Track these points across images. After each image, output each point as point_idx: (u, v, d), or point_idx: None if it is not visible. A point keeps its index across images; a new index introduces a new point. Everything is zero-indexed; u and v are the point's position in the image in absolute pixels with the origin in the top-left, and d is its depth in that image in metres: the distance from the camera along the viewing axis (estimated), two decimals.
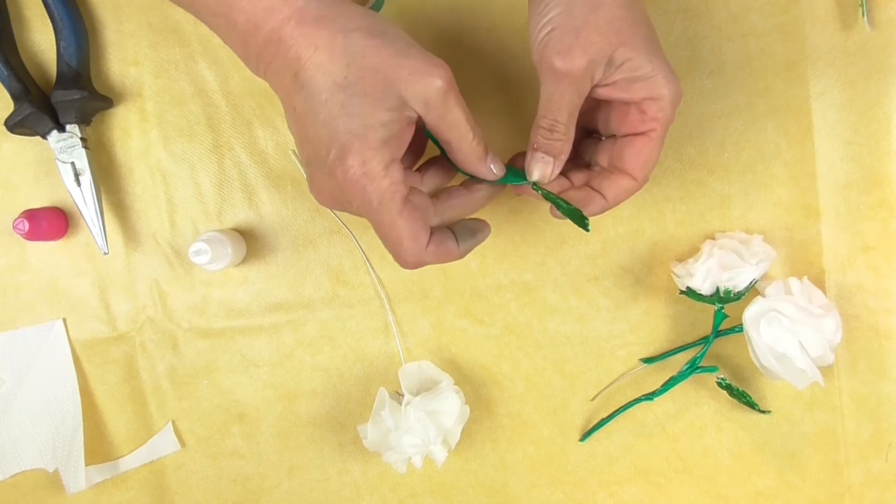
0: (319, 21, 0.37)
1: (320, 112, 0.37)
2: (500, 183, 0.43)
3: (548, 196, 0.44)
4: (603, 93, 0.42)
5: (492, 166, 0.42)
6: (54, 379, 0.55)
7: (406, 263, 0.41)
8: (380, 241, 0.40)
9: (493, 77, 0.53)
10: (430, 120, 0.39)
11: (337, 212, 0.53)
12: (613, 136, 0.45)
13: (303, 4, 0.37)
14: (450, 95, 0.38)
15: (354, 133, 0.36)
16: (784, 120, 0.52)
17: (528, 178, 0.44)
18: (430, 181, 0.44)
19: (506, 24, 0.53)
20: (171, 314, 0.55)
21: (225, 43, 0.40)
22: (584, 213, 0.42)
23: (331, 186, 0.39)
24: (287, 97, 0.38)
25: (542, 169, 0.43)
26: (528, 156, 0.43)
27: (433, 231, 0.40)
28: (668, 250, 0.54)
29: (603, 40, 0.39)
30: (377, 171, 0.37)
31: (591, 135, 0.48)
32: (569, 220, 0.43)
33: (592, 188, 0.44)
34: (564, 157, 0.43)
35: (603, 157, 0.46)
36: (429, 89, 0.37)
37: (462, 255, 0.43)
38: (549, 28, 0.40)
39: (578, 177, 0.46)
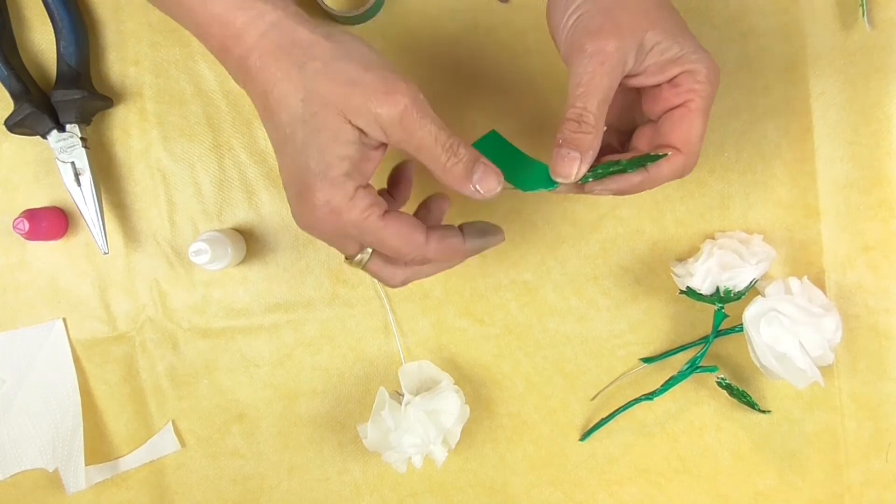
0: (277, 53, 0.37)
1: (287, 145, 0.37)
2: (525, 190, 0.40)
3: (605, 172, 0.39)
4: (635, 82, 0.40)
5: (477, 186, 0.38)
6: (54, 379, 0.55)
7: (413, 262, 0.41)
8: None
9: (493, 78, 0.53)
10: (395, 144, 0.37)
11: None
12: (651, 122, 0.43)
13: (263, 32, 0.37)
14: (408, 119, 0.36)
15: (315, 172, 0.37)
16: (784, 120, 0.52)
17: (552, 175, 0.39)
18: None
19: (505, 24, 0.53)
20: (171, 314, 0.55)
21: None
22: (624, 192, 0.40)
23: (306, 219, 0.39)
24: (263, 122, 0.39)
25: (566, 167, 0.39)
26: (554, 153, 0.39)
27: (433, 230, 0.40)
28: (668, 250, 0.54)
29: (633, 21, 0.38)
30: (343, 205, 0.37)
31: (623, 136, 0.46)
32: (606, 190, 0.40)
33: (646, 171, 0.41)
34: (593, 154, 0.39)
35: (642, 142, 0.43)
36: (383, 116, 0.36)
37: (469, 254, 0.41)
38: (578, 14, 0.39)
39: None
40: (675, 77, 0.40)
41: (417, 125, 0.36)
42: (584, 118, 0.38)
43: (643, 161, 0.40)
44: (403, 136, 0.37)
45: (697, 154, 0.41)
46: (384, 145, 0.38)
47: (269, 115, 0.38)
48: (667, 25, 0.39)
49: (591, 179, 0.40)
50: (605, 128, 0.39)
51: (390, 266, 0.41)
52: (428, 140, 0.37)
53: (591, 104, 0.38)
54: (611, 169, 0.40)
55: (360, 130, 0.37)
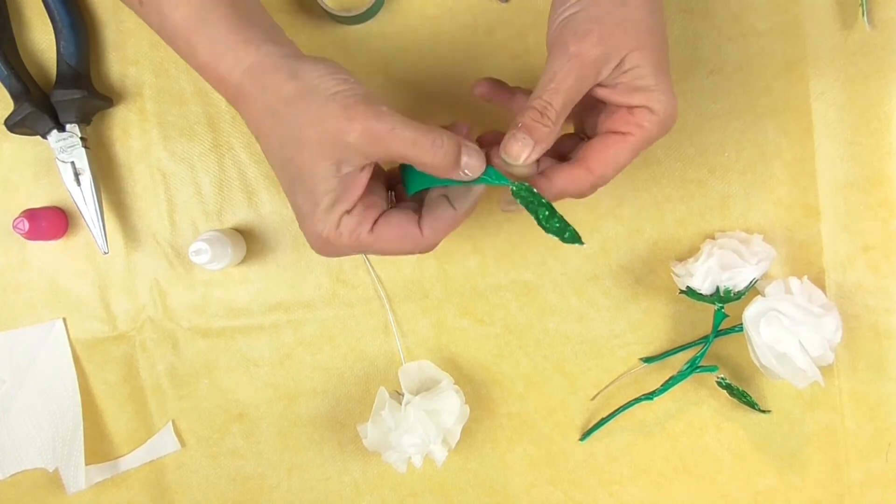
0: (254, 100, 0.39)
1: (283, 183, 0.41)
2: (475, 184, 0.40)
3: (529, 202, 0.40)
4: (602, 93, 0.41)
5: (466, 171, 0.39)
6: (54, 379, 0.55)
7: (421, 253, 0.42)
8: None
9: None
10: (379, 160, 0.39)
11: None
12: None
13: (240, 80, 0.39)
14: (378, 137, 0.37)
15: (305, 210, 0.40)
16: (784, 120, 0.52)
17: (501, 151, 0.40)
18: None
19: (505, 24, 0.53)
20: (171, 314, 0.55)
21: None
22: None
23: (312, 244, 0.42)
24: (264, 152, 0.42)
25: (518, 149, 0.40)
26: (508, 134, 0.40)
27: (424, 214, 0.41)
28: (668, 250, 0.54)
29: (621, 36, 0.39)
30: (331, 235, 0.40)
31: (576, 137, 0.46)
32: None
33: (542, 174, 0.42)
34: (545, 146, 0.40)
35: (575, 154, 0.43)
36: (353, 143, 0.37)
37: (465, 216, 0.42)
38: (573, 11, 0.40)
39: (544, 162, 0.43)
40: (635, 109, 0.40)
41: (389, 137, 0.37)
42: (546, 111, 0.39)
43: (563, 228, 0.39)
44: (382, 152, 0.38)
45: (605, 181, 0.41)
46: (369, 165, 0.39)
47: (263, 147, 0.41)
48: (653, 55, 0.40)
49: (523, 193, 0.40)
50: (560, 127, 0.40)
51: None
52: (406, 146, 0.38)
53: (556, 101, 0.39)
54: (538, 203, 0.40)
55: (337, 163, 0.38)
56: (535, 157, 0.40)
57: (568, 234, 0.40)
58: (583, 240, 0.39)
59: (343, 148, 0.38)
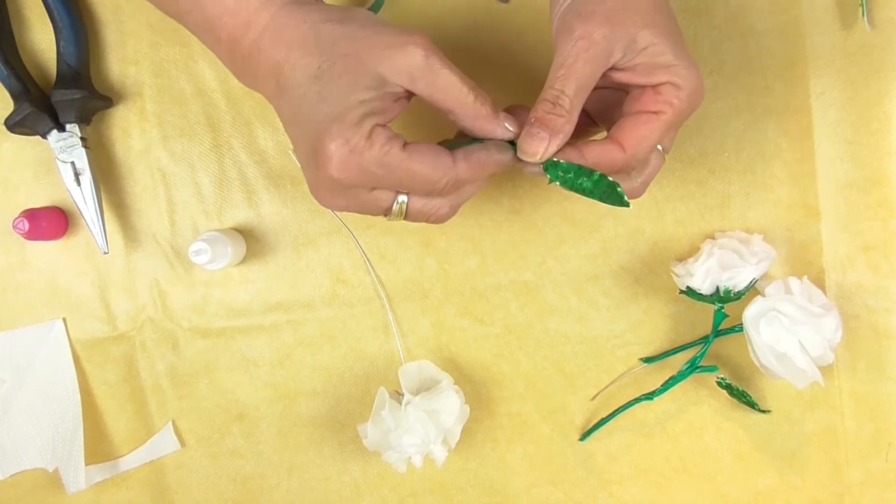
0: (290, 22, 0.37)
1: (302, 107, 0.37)
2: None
3: (571, 183, 0.38)
4: (622, 77, 0.40)
5: (506, 124, 0.38)
6: (54, 379, 0.55)
7: (447, 188, 0.39)
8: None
9: (493, 79, 0.53)
10: (421, 90, 0.37)
11: (337, 212, 0.53)
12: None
13: (275, 13, 0.37)
14: (432, 61, 0.36)
15: (332, 115, 0.36)
16: (784, 120, 0.52)
17: (518, 153, 0.39)
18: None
19: (505, 24, 0.53)
20: (171, 314, 0.55)
21: (218, 58, 0.41)
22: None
23: (326, 182, 0.37)
24: (275, 103, 0.39)
25: (533, 146, 0.38)
26: (524, 130, 0.39)
27: (457, 152, 0.39)
28: (668, 250, 0.54)
29: (627, 15, 0.38)
30: (361, 143, 0.36)
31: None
32: (596, 202, 0.38)
33: (573, 146, 0.40)
34: (563, 137, 0.38)
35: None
36: (407, 60, 0.36)
37: (499, 166, 0.39)
38: None
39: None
40: (661, 86, 0.39)
41: (441, 65, 0.36)
42: (559, 101, 0.38)
43: (611, 188, 0.38)
44: (429, 79, 0.36)
45: (637, 162, 0.40)
46: (405, 98, 0.38)
47: (280, 89, 0.37)
48: (665, 30, 0.39)
49: (557, 183, 0.39)
50: (578, 115, 0.39)
51: (432, 199, 0.40)
52: (453, 81, 0.37)
53: (568, 88, 0.38)
54: (578, 181, 0.39)
55: (380, 80, 0.36)
56: (552, 150, 0.38)
57: (619, 191, 0.38)
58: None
59: (388, 66, 0.36)
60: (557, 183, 0.39)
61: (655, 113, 0.39)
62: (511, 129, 0.39)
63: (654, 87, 0.39)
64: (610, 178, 0.39)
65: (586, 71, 0.38)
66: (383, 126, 0.37)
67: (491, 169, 0.40)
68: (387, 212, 0.40)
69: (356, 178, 0.37)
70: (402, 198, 0.39)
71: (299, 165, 0.52)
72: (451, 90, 0.37)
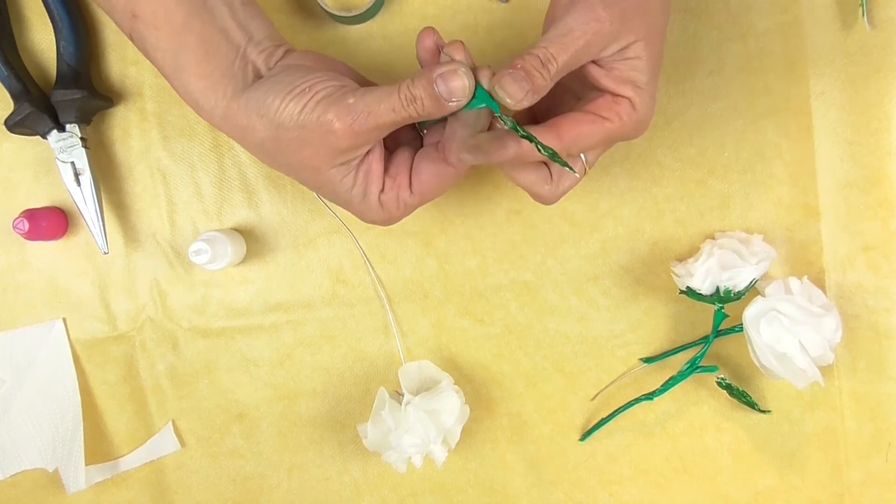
0: (236, 141, 0.41)
1: (308, 188, 0.45)
2: (470, 109, 0.38)
3: (525, 134, 0.38)
4: (595, 72, 0.40)
5: (452, 102, 0.38)
6: (54, 379, 0.55)
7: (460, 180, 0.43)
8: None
9: None
10: (377, 140, 0.40)
11: (337, 212, 0.53)
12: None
13: (219, 124, 0.41)
14: (360, 128, 0.38)
15: (349, 206, 0.42)
16: (784, 120, 0.52)
17: (497, 86, 0.37)
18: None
19: (505, 24, 0.53)
20: (171, 314, 0.55)
21: None
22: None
23: (373, 207, 0.42)
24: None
25: (515, 90, 0.37)
26: (507, 70, 0.37)
27: (443, 141, 0.41)
28: (668, 250, 0.54)
29: (637, 21, 0.38)
30: (382, 216, 0.42)
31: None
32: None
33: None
34: (536, 97, 0.38)
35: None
36: (346, 145, 0.39)
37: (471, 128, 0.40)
38: None
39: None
40: (621, 97, 0.40)
41: (369, 122, 0.38)
42: (548, 65, 0.37)
43: (553, 157, 0.38)
44: (373, 135, 0.39)
45: (571, 153, 0.40)
46: (374, 147, 0.41)
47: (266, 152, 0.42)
48: (654, 51, 0.39)
49: (516, 130, 0.38)
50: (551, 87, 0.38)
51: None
52: (388, 117, 0.38)
53: (561, 58, 0.37)
54: (529, 135, 0.38)
55: (344, 163, 0.40)
56: (526, 104, 0.37)
57: (558, 159, 0.38)
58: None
59: (340, 152, 0.39)
60: (508, 125, 0.38)
61: (603, 118, 0.40)
62: (457, 100, 0.38)
63: (615, 96, 0.40)
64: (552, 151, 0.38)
65: (582, 52, 0.38)
66: (383, 192, 0.42)
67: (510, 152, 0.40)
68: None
69: (399, 221, 0.44)
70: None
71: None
72: (389, 120, 0.38)
